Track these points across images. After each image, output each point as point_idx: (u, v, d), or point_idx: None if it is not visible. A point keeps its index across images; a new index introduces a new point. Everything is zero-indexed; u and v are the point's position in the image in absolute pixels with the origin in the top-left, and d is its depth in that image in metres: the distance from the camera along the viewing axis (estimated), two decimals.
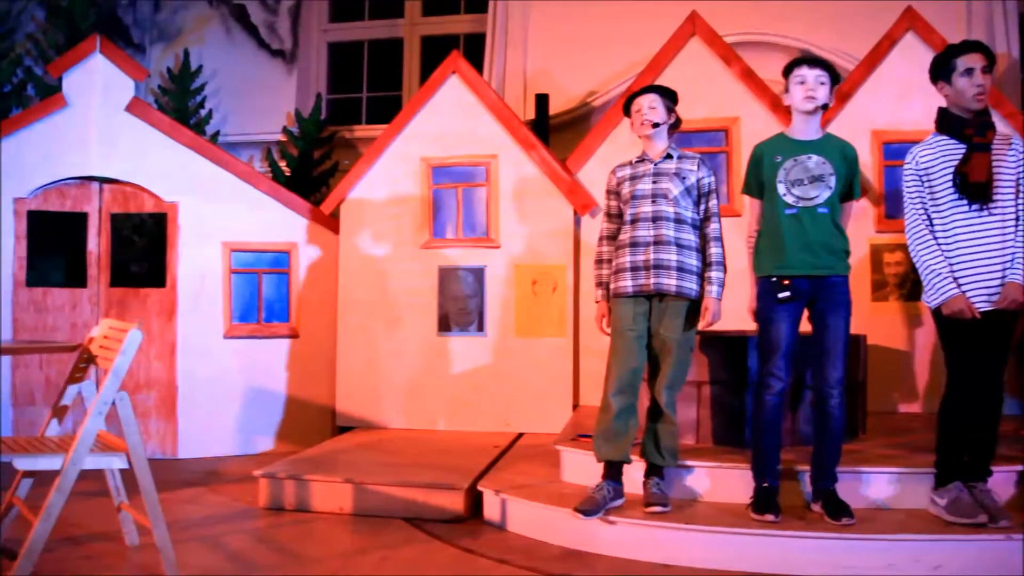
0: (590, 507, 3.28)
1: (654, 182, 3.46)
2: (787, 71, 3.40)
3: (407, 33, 8.41)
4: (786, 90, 3.40)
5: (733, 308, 3.64)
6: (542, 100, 6.61)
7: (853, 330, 3.43)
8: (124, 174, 5.35)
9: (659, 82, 4.24)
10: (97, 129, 5.33)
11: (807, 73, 3.32)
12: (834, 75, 3.36)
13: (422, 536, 3.60)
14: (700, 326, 3.45)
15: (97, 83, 5.37)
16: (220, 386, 5.37)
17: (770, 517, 3.19)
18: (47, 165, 5.31)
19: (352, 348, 5.44)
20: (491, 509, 3.78)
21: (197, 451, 5.32)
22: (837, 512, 3.16)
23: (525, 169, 5.29)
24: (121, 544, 3.43)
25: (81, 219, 5.40)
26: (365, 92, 8.34)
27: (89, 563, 3.24)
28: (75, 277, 5.57)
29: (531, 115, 6.68)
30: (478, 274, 5.29)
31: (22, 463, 2.80)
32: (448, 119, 5.41)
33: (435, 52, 8.03)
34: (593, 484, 3.46)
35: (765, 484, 3.29)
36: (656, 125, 3.50)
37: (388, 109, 8.10)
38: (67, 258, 5.95)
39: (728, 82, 5.28)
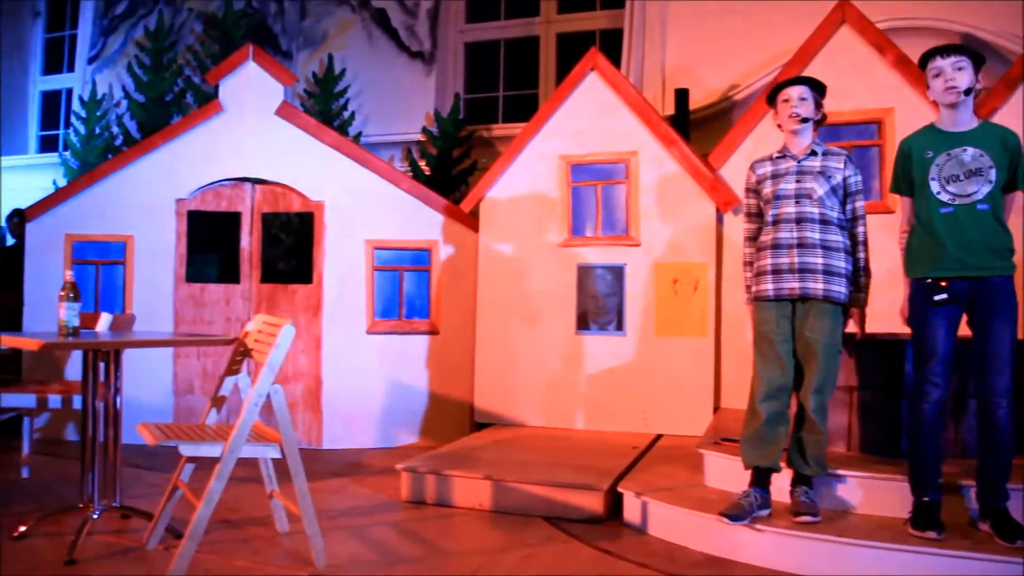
0: (736, 513, 3.17)
1: (797, 181, 3.31)
2: (922, 65, 3.18)
3: (543, 31, 8.41)
4: (927, 87, 3.18)
5: (886, 310, 3.44)
6: (682, 95, 6.47)
7: (1021, 334, 3.17)
8: (274, 175, 5.58)
9: (806, 73, 4.06)
10: (250, 132, 5.59)
11: (942, 63, 3.08)
12: (976, 57, 3.10)
13: (562, 536, 3.58)
14: (848, 330, 3.28)
15: (250, 89, 5.62)
16: (362, 380, 5.53)
17: (932, 534, 2.98)
18: (205, 167, 5.61)
19: (490, 345, 5.48)
20: (631, 511, 3.72)
21: (340, 443, 5.50)
22: (1010, 533, 2.91)
23: (665, 166, 5.18)
24: (272, 530, 3.57)
25: (235, 218, 5.67)
26: (502, 91, 8.41)
27: (244, 546, 3.38)
28: (229, 273, 5.86)
29: (670, 110, 6.56)
30: (617, 272, 5.23)
31: (186, 449, 2.94)
32: (587, 116, 5.37)
33: (571, 49, 8.01)
34: (737, 490, 3.35)
35: (926, 499, 3.08)
36: (805, 120, 3.34)
37: (524, 107, 8.14)
38: (222, 255, 6.27)
39: (881, 71, 5.00)
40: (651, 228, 5.19)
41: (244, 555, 3.27)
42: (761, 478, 3.30)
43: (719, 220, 5.16)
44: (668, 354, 5.10)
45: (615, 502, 3.82)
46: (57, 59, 10.74)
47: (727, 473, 3.63)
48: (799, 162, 3.34)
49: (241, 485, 4.12)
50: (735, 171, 5.11)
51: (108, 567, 3.12)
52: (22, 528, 3.47)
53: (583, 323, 5.28)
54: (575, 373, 5.29)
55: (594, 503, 3.77)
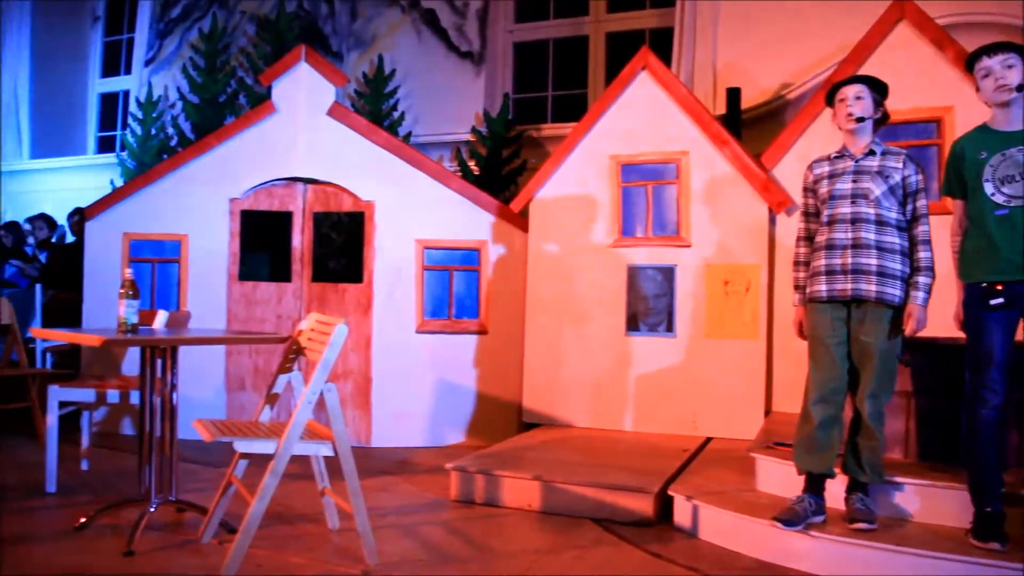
0: (790, 518, 3.13)
1: (854, 181, 3.24)
2: (969, 68, 3.09)
3: (592, 30, 8.38)
4: (976, 89, 3.09)
5: (947, 313, 3.35)
6: (733, 94, 6.40)
7: None
8: (326, 175, 5.64)
9: (863, 71, 3.98)
10: (302, 133, 5.65)
11: (990, 63, 3.00)
12: None
13: (611, 538, 3.56)
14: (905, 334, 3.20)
15: (302, 90, 5.68)
16: (411, 379, 5.56)
17: (995, 546, 2.89)
18: (258, 167, 5.68)
19: (540, 345, 5.47)
20: (681, 514, 3.68)
21: (389, 441, 5.54)
22: None
23: (717, 166, 5.13)
24: (324, 526, 3.60)
25: (287, 218, 5.74)
26: (551, 91, 8.39)
27: (296, 542, 3.42)
28: (280, 272, 5.93)
29: (722, 110, 6.49)
30: (668, 273, 5.18)
31: (241, 445, 2.98)
32: (637, 116, 5.33)
33: (620, 49, 7.97)
34: (790, 495, 3.30)
35: (988, 509, 2.99)
36: (861, 120, 3.27)
37: (573, 107, 8.11)
38: (273, 254, 6.35)
39: (941, 68, 4.88)
40: (702, 229, 5.14)
41: (296, 551, 3.31)
42: (815, 484, 3.25)
43: (771, 221, 5.08)
44: (718, 356, 5.05)
45: (665, 505, 3.79)
46: (115, 62, 10.98)
47: (780, 478, 3.57)
48: (857, 162, 3.28)
49: (293, 481, 4.17)
50: (788, 171, 5.04)
51: (164, 559, 3.18)
52: (82, 519, 3.56)
53: (633, 324, 5.25)
54: (624, 374, 5.25)
55: (644, 506, 3.74)
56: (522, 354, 5.52)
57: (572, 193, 5.45)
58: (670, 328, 5.17)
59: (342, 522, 3.60)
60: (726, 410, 5.00)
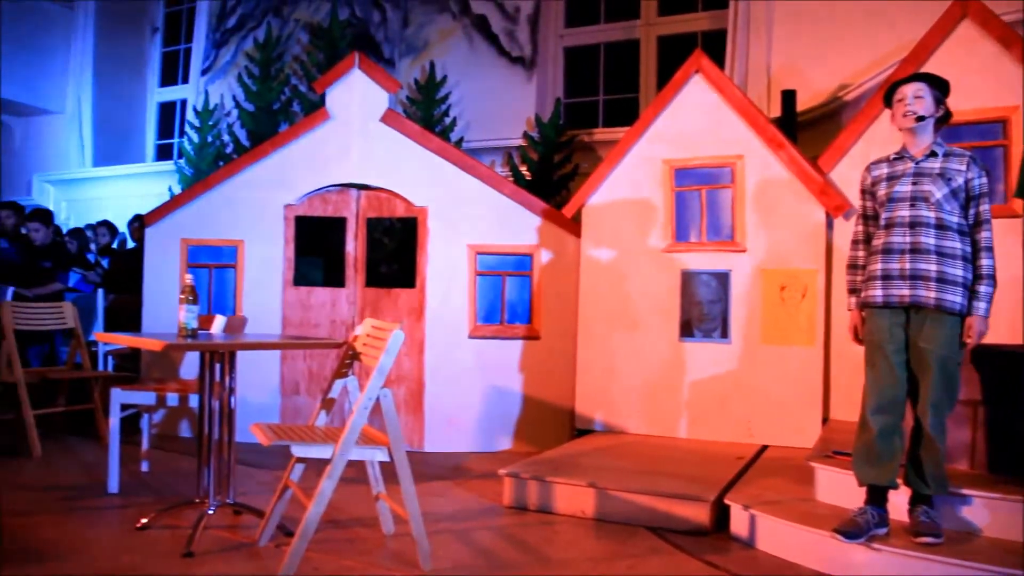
0: (852, 530, 3.05)
1: (914, 183, 3.15)
2: None
3: (643, 34, 8.34)
4: None
5: (1015, 319, 3.25)
6: (788, 96, 6.30)
7: None
8: (379, 180, 5.68)
9: (924, 71, 3.87)
10: (356, 139, 5.70)
11: None
12: None
13: (667, 547, 3.51)
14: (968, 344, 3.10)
15: (356, 97, 5.73)
16: (464, 384, 5.57)
17: None
18: (312, 174, 5.75)
19: (592, 351, 5.44)
20: (738, 524, 3.62)
21: (441, 446, 5.55)
22: None
23: (772, 170, 5.05)
24: (378, 531, 3.62)
25: (341, 223, 5.79)
26: (602, 95, 8.37)
27: (351, 546, 3.44)
28: (334, 277, 5.99)
29: (777, 112, 6.39)
30: (722, 279, 5.11)
31: (298, 450, 3.01)
32: (691, 120, 5.28)
33: (672, 52, 7.92)
34: (851, 505, 3.22)
35: None
36: (921, 118, 3.17)
37: (625, 112, 8.08)
38: (327, 260, 6.42)
39: (1006, 67, 4.74)
40: (757, 233, 5.06)
41: (351, 555, 3.33)
42: (877, 495, 3.16)
43: (829, 226, 4.99)
44: (774, 363, 4.96)
45: (721, 514, 3.73)
46: (172, 72, 11.24)
47: (840, 488, 3.50)
48: (917, 163, 3.19)
49: (347, 486, 4.20)
50: (846, 175, 4.94)
51: (222, 561, 3.22)
52: (143, 520, 3.62)
53: (687, 330, 5.19)
54: (678, 380, 5.19)
55: (700, 514, 3.69)
56: (574, 360, 5.49)
57: (625, 198, 5.41)
58: (725, 334, 5.10)
59: (397, 527, 3.61)
60: (782, 417, 4.91)
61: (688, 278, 5.21)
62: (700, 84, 5.28)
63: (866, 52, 6.33)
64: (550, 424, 5.54)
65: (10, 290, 6.38)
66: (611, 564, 3.30)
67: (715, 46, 7.36)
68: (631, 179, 5.40)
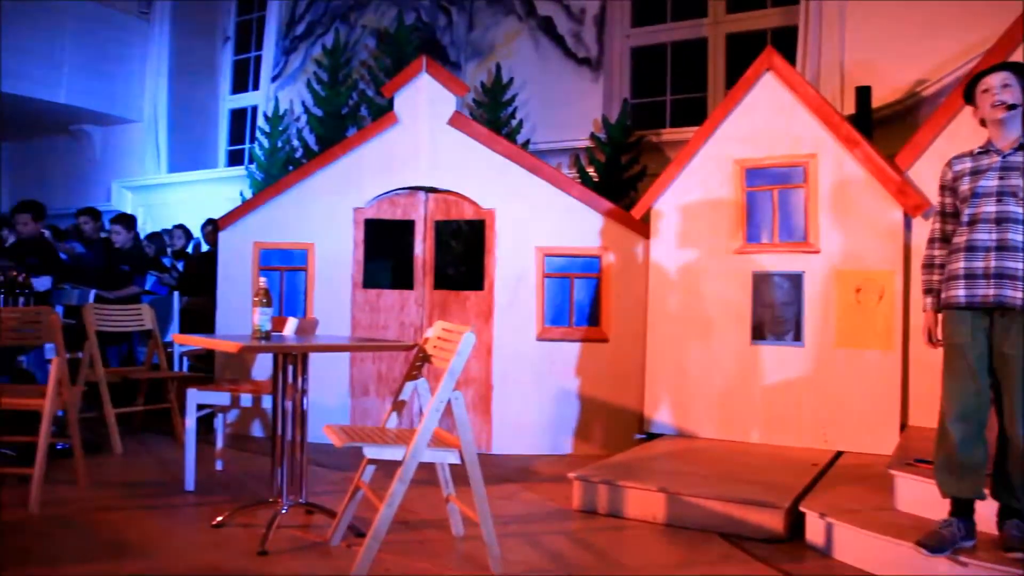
0: (936, 543, 2.93)
1: (1001, 178, 3.00)
2: None
3: (711, 32, 8.23)
4: None
5: None
6: (863, 93, 6.14)
7: None
8: (447, 183, 5.71)
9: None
10: (424, 142, 5.74)
11: None
12: None
13: (741, 555, 3.44)
14: None
15: (423, 100, 5.77)
16: (532, 387, 5.55)
17: None
18: (381, 177, 5.80)
19: (661, 354, 5.37)
20: (814, 532, 3.53)
21: (509, 448, 5.54)
22: None
23: (847, 168, 4.92)
24: (448, 533, 3.63)
25: (409, 226, 5.84)
26: (669, 95, 8.28)
27: (421, 548, 3.46)
28: (403, 280, 6.04)
29: (851, 110, 6.23)
30: (795, 280, 5.00)
31: (370, 451, 3.03)
32: (762, 119, 5.17)
33: (741, 50, 7.79)
34: (933, 516, 3.10)
35: None
36: (1012, 107, 3.02)
37: (693, 111, 7.98)
38: (396, 262, 6.48)
39: None
40: (832, 234, 4.94)
41: (422, 557, 3.34)
42: (963, 507, 3.02)
43: (907, 226, 4.84)
44: (850, 367, 4.83)
45: (795, 521, 3.64)
46: (243, 79, 11.49)
47: (921, 498, 3.37)
48: (1004, 157, 3.04)
49: (417, 487, 4.21)
50: (924, 173, 4.78)
51: (296, 560, 3.26)
52: (219, 518, 3.70)
53: (759, 333, 5.08)
54: (750, 384, 5.09)
55: (774, 522, 3.61)
56: (643, 362, 5.43)
57: (695, 199, 5.33)
58: (798, 337, 4.98)
59: (466, 529, 3.61)
60: (858, 423, 4.78)
61: (760, 280, 5.11)
62: (771, 82, 5.18)
63: (945, 45, 6.13)
64: (618, 427, 5.49)
65: (92, 292, 6.59)
66: (684, 570, 3.25)
67: (786, 43, 7.20)
68: (701, 180, 5.32)
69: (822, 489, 3.92)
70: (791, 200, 5.06)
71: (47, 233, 7.41)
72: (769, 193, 5.12)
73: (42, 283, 6.11)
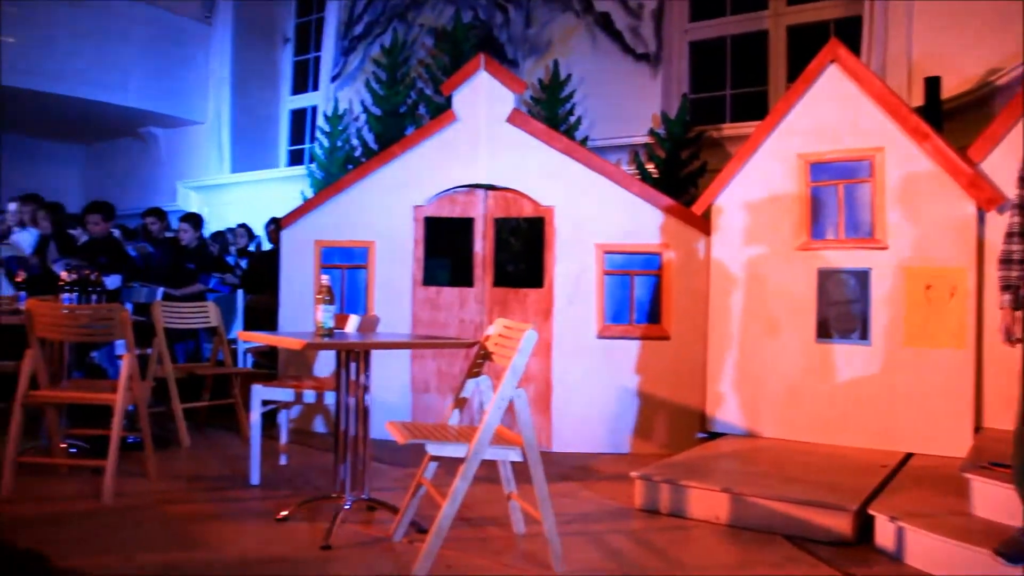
0: (1014, 552, 2.82)
1: None
2: None
3: (772, 24, 8.09)
4: None
5: None
6: (932, 83, 5.97)
7: None
8: (506, 181, 5.71)
9: None
10: (483, 140, 5.74)
11: None
12: None
13: (807, 558, 3.37)
14: None
15: (482, 98, 5.77)
16: (591, 384, 5.52)
17: None
18: (440, 175, 5.83)
19: (723, 352, 5.29)
20: (884, 536, 3.44)
21: (569, 446, 5.52)
22: None
23: (916, 162, 4.78)
24: (509, 531, 3.62)
25: (468, 224, 5.85)
26: (729, 89, 8.16)
27: (483, 545, 3.46)
28: (462, 277, 6.06)
29: (919, 101, 6.07)
30: (862, 277, 4.88)
31: (433, 448, 3.04)
32: (827, 112, 5.05)
33: (803, 42, 7.64)
34: (1012, 523, 2.99)
35: None
36: None
37: (753, 106, 7.86)
38: (455, 260, 6.50)
39: None
40: (900, 229, 4.81)
41: (484, 554, 3.35)
42: None
43: (980, 220, 4.68)
44: (920, 366, 4.70)
45: (864, 525, 3.55)
46: (303, 80, 11.66)
47: (999, 502, 3.26)
48: None
49: (479, 484, 4.21)
50: (999, 165, 4.62)
51: (359, 555, 3.29)
52: (284, 512, 3.75)
53: (824, 331, 4.97)
54: (815, 383, 4.99)
55: (842, 524, 3.53)
56: (705, 360, 5.36)
57: (757, 194, 5.24)
58: (865, 335, 4.86)
59: (528, 527, 3.61)
60: (929, 424, 4.64)
61: (825, 277, 5.00)
62: (836, 74, 5.06)
63: (1019, 32, 5.92)
64: (679, 426, 5.43)
65: (160, 290, 6.75)
66: (747, 571, 3.20)
67: (849, 34, 7.04)
68: (763, 175, 5.23)
69: (892, 491, 3.83)
70: (857, 195, 4.94)
71: (117, 233, 7.61)
72: (834, 188, 5.00)
73: (113, 281, 6.29)
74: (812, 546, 3.49)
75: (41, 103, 10.17)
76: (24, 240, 7.37)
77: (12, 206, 7.81)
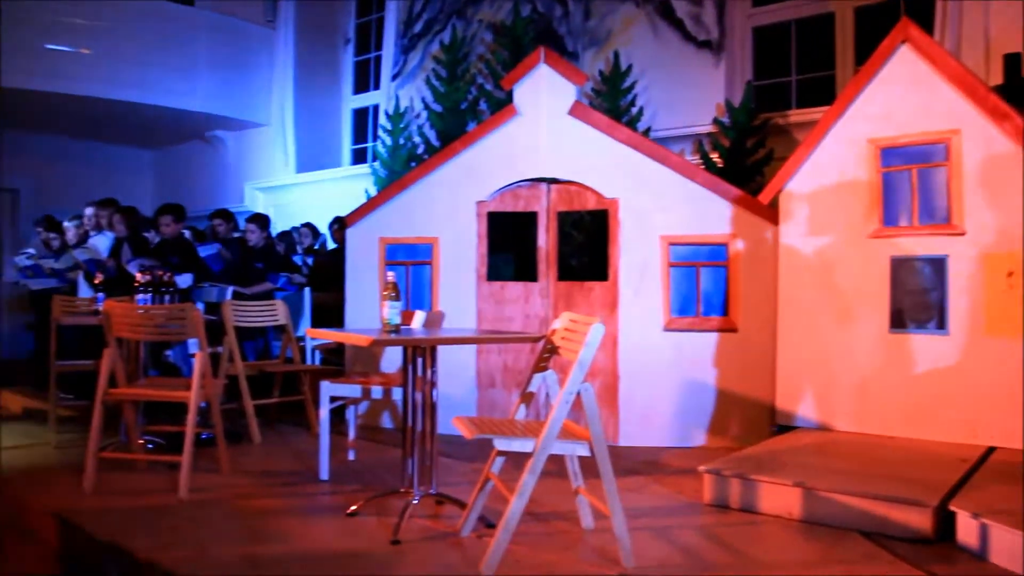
0: None
1: None
2: None
3: (838, 7, 7.85)
4: None
5: None
6: (1012, 61, 5.72)
7: None
8: (569, 174, 5.67)
9: None
10: (545, 133, 5.71)
11: None
12: None
13: (885, 555, 3.27)
14: None
15: (543, 91, 5.74)
16: (658, 378, 5.46)
17: None
18: (502, 170, 5.82)
19: (793, 344, 5.18)
20: (966, 533, 3.31)
21: (635, 440, 5.47)
22: None
23: (995, 144, 4.60)
24: (577, 525, 3.60)
25: (532, 218, 5.83)
26: (794, 75, 7.96)
27: (551, 540, 3.45)
28: (526, 272, 6.04)
29: (998, 80, 5.83)
30: (938, 265, 4.72)
31: (501, 443, 3.04)
32: (898, 94, 4.90)
33: (871, 24, 7.41)
34: None
35: None
36: None
37: (820, 91, 7.65)
38: (519, 254, 6.49)
39: None
40: (978, 215, 4.63)
41: (552, 549, 3.33)
42: None
43: None
44: (1001, 356, 4.52)
45: (944, 521, 3.43)
46: (364, 79, 11.77)
47: None
48: None
49: (545, 479, 4.20)
50: None
51: (427, 550, 3.31)
52: (353, 507, 3.79)
53: (898, 321, 4.83)
54: (890, 375, 4.85)
55: (921, 521, 3.41)
56: (774, 353, 5.25)
57: (826, 182, 5.11)
58: (942, 325, 4.70)
59: (596, 522, 3.58)
60: (1012, 417, 4.46)
61: (899, 265, 4.85)
62: (908, 55, 4.90)
63: None
64: (749, 419, 5.34)
65: (229, 290, 6.89)
66: (822, 569, 3.12)
67: (921, 13, 6.81)
68: (832, 161, 5.09)
69: (974, 487, 3.69)
70: (932, 179, 4.78)
71: (187, 234, 7.80)
72: (907, 173, 4.85)
73: (184, 281, 6.44)
74: (889, 543, 3.39)
75: (114, 110, 10.48)
76: (101, 243, 7.61)
77: (89, 211, 8.07)
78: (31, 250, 8.64)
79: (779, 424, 5.20)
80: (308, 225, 9.45)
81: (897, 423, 4.80)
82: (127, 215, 7.30)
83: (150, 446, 5.07)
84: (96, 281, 5.76)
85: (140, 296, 4.92)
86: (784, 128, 7.19)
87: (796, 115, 7.24)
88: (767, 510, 3.81)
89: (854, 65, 7.51)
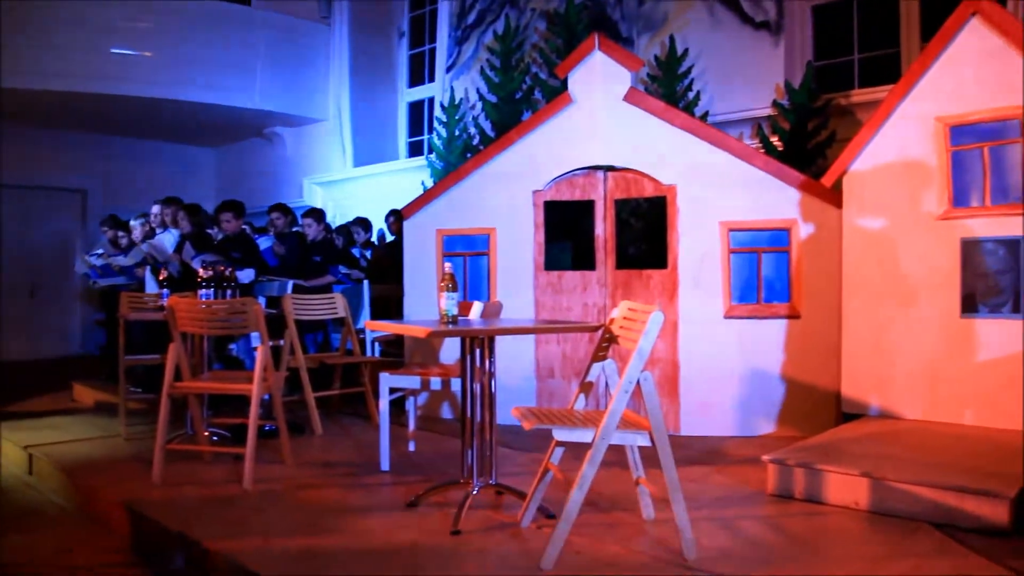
0: None
1: None
2: None
3: None
4: None
5: None
6: None
7: None
8: (625, 161, 5.60)
9: None
10: (600, 121, 5.65)
11: None
12: None
13: (957, 547, 3.16)
14: None
15: (597, 78, 5.67)
16: (719, 366, 5.38)
17: None
18: (558, 159, 5.78)
19: (859, 330, 5.04)
20: None
21: (697, 429, 5.40)
22: None
23: None
24: (638, 516, 3.56)
25: (589, 206, 5.78)
26: (856, 54, 7.74)
27: (611, 531, 3.41)
28: (584, 261, 6.00)
29: None
30: (1012, 246, 4.54)
31: (560, 434, 3.01)
32: (968, 69, 4.71)
33: None
34: None
35: None
36: None
37: (884, 69, 7.43)
38: (576, 243, 6.45)
39: None
40: None
41: (613, 540, 3.30)
42: None
43: None
44: None
45: (1020, 513, 3.30)
46: (419, 72, 11.81)
47: None
48: None
49: (605, 469, 4.15)
50: None
51: (487, 541, 3.31)
52: (413, 497, 3.82)
53: (970, 304, 4.66)
54: (961, 361, 4.69)
55: (997, 512, 3.29)
56: (839, 339, 5.12)
57: (891, 162, 4.95)
58: (1017, 308, 4.52)
59: (657, 513, 3.54)
60: None
61: (969, 247, 4.68)
62: (978, 28, 4.70)
63: None
64: (813, 408, 5.22)
65: (289, 283, 6.99)
66: (892, 563, 3.03)
67: None
68: (898, 141, 4.93)
69: None
70: (1005, 157, 4.59)
71: (247, 229, 7.93)
72: (978, 151, 4.67)
73: (246, 275, 6.55)
74: (963, 535, 3.28)
75: (176, 110, 10.72)
76: (166, 240, 7.78)
77: (155, 208, 8.26)
78: (100, 249, 8.90)
79: (845, 412, 5.07)
80: (360, 220, 9.53)
81: (967, 411, 4.64)
82: (191, 212, 7.45)
83: (215, 438, 5.17)
84: (161, 277, 5.89)
85: (203, 291, 5.01)
86: (847, 109, 7.00)
87: (859, 95, 7.04)
88: (833, 500, 3.72)
89: (920, 41, 7.27)
